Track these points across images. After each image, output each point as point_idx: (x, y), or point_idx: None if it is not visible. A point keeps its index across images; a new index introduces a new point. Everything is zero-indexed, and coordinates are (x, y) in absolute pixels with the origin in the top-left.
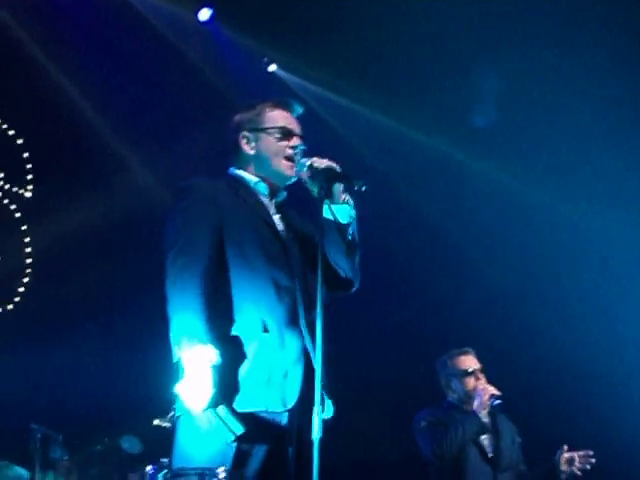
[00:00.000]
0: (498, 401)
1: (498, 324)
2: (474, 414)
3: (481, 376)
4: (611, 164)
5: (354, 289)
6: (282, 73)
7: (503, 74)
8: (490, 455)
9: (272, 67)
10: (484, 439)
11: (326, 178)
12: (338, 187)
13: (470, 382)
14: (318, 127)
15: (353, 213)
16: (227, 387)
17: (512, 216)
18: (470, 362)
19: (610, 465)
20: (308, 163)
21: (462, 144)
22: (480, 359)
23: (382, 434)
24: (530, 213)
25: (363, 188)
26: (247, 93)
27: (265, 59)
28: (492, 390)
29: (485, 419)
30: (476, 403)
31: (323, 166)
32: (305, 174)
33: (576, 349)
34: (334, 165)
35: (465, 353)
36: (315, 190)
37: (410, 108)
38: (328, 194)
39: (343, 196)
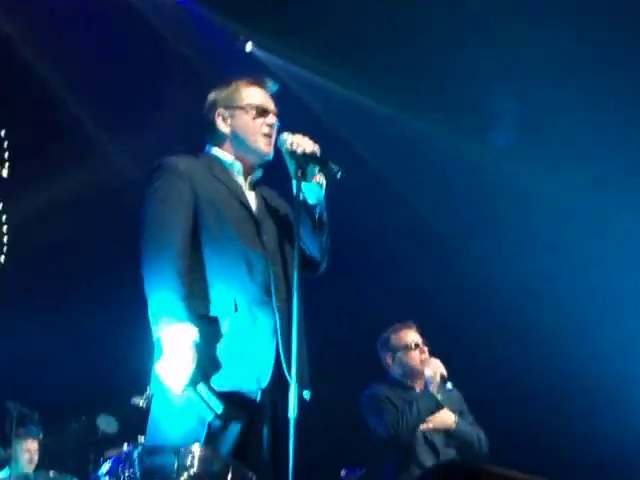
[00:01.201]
0: (449, 386)
1: (478, 310)
2: (427, 391)
3: (425, 349)
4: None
5: (320, 271)
6: (259, 52)
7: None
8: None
9: (249, 46)
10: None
11: (303, 158)
12: (313, 169)
13: (415, 356)
14: (296, 107)
15: (322, 195)
16: (205, 365)
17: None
18: (414, 336)
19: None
20: (290, 141)
21: (445, 125)
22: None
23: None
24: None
25: (339, 175)
26: (224, 72)
27: (242, 37)
28: (440, 369)
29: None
30: (427, 382)
31: (302, 148)
32: (285, 151)
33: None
34: (313, 147)
35: (408, 327)
36: (292, 168)
37: (390, 88)
38: (302, 174)
39: (317, 177)
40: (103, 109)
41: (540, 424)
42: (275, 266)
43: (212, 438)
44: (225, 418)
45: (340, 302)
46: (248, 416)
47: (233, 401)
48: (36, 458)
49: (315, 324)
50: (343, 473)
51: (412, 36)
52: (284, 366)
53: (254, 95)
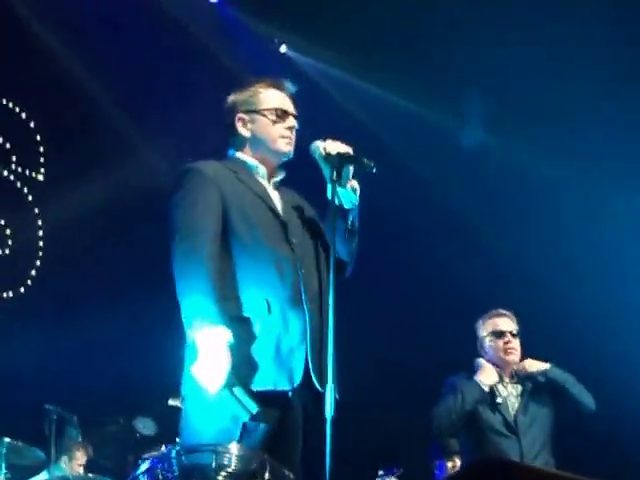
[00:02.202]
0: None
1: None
2: (474, 382)
3: (512, 339)
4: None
5: (346, 275)
6: (291, 53)
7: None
8: (510, 420)
9: (283, 48)
10: (502, 404)
11: (339, 161)
12: (349, 170)
13: (499, 344)
14: (327, 105)
15: (356, 200)
16: (240, 367)
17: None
18: (503, 324)
19: None
20: (322, 146)
21: (469, 120)
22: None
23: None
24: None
25: (374, 170)
26: (257, 74)
27: (276, 40)
28: (516, 362)
29: (511, 387)
30: (476, 367)
31: (336, 149)
32: (319, 156)
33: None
34: (347, 148)
35: (499, 314)
36: (327, 172)
37: (417, 85)
38: (338, 177)
39: (351, 182)
40: (137, 111)
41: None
42: (304, 268)
43: (246, 437)
44: (259, 418)
45: (377, 306)
46: (281, 416)
47: (266, 401)
48: (82, 462)
49: (348, 327)
50: (380, 473)
51: (456, 36)
52: (312, 366)
53: (273, 98)
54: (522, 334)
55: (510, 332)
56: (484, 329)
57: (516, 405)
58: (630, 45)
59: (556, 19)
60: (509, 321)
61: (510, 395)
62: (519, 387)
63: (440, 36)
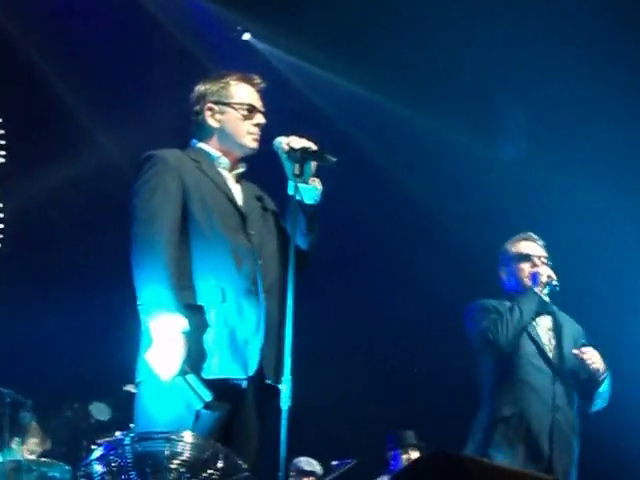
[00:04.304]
0: (556, 284)
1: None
2: (531, 290)
3: (539, 263)
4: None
5: (305, 269)
6: (256, 42)
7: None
8: (550, 355)
9: (246, 36)
10: (543, 336)
11: (302, 156)
12: (311, 166)
13: (525, 268)
14: (292, 96)
15: (318, 197)
16: (195, 355)
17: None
18: (531, 248)
19: None
20: (286, 141)
21: (438, 115)
22: None
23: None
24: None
25: (334, 163)
26: (220, 63)
27: (239, 28)
28: (551, 273)
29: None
30: (531, 281)
31: (299, 145)
32: (281, 152)
33: None
34: (310, 144)
35: (526, 238)
36: (289, 168)
37: (384, 77)
38: (300, 173)
39: (314, 180)
40: (97, 100)
41: None
42: (262, 259)
43: (199, 425)
44: (213, 406)
45: (333, 299)
46: (235, 404)
47: (220, 390)
48: (35, 446)
49: (306, 319)
50: (334, 463)
51: (413, 28)
52: (267, 357)
53: (244, 93)
54: None
55: (539, 257)
56: (509, 253)
57: (549, 339)
58: None
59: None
60: (535, 245)
61: (543, 327)
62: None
63: (406, 29)
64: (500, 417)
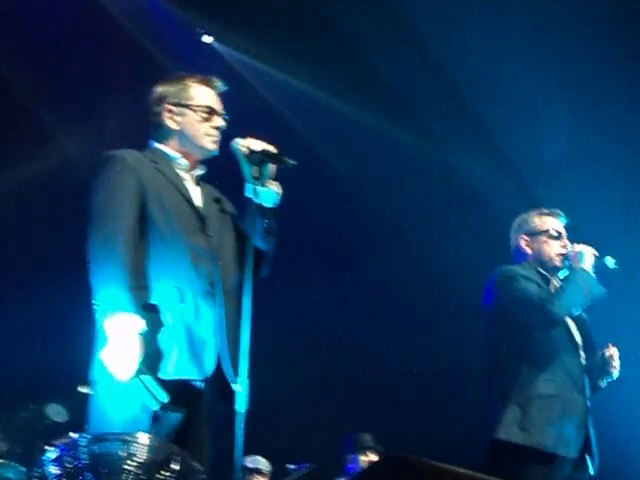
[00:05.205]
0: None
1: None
2: (581, 268)
3: (567, 243)
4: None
5: (264, 273)
6: (217, 45)
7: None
8: (580, 342)
9: (207, 38)
10: (570, 324)
11: (260, 159)
12: (270, 169)
13: (554, 245)
14: (252, 99)
15: (277, 200)
16: (151, 355)
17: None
18: (559, 225)
19: None
20: (244, 143)
21: (399, 120)
22: None
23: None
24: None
25: (293, 166)
26: (179, 64)
27: (199, 29)
28: (592, 251)
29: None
30: (562, 262)
31: (258, 147)
32: (240, 154)
33: None
34: (268, 146)
35: (555, 214)
36: (247, 171)
37: (347, 82)
38: (259, 176)
39: (273, 183)
40: (54, 96)
41: None
42: (221, 260)
43: (155, 427)
44: (169, 408)
45: (290, 300)
46: (192, 406)
47: (177, 391)
48: None
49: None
50: (291, 467)
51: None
52: (223, 358)
53: (204, 95)
54: None
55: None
56: (536, 225)
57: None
58: None
59: None
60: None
61: None
62: None
63: (368, 32)
64: (537, 394)
